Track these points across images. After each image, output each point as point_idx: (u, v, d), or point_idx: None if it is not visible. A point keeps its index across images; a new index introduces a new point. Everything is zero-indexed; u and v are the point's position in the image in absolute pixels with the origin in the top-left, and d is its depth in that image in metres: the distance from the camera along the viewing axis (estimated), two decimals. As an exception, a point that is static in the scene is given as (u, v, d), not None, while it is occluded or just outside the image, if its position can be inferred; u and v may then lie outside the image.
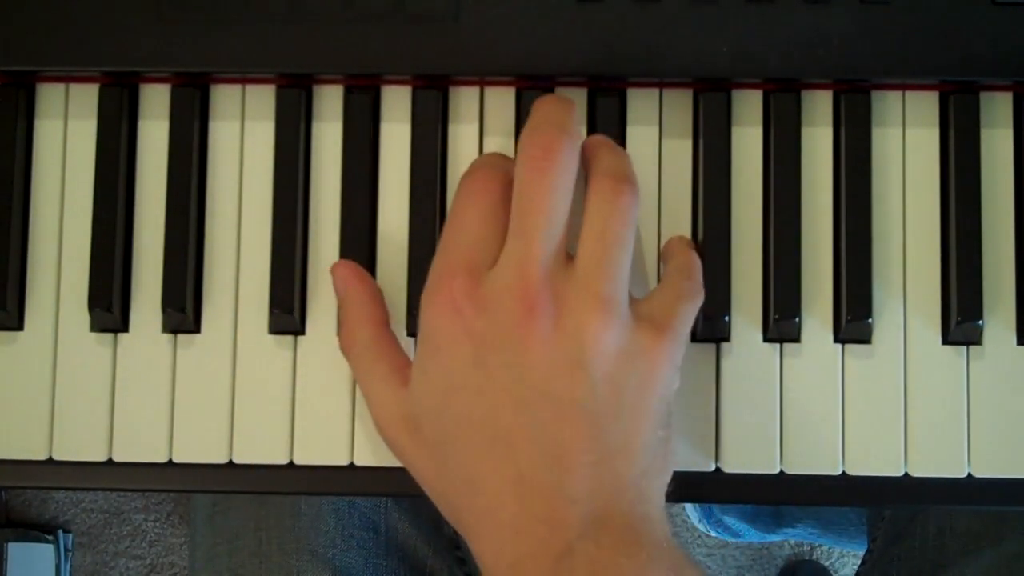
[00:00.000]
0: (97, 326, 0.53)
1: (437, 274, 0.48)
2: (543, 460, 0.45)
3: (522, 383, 0.46)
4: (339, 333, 0.52)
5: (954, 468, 0.52)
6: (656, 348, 0.47)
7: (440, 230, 0.53)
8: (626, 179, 0.48)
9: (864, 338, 0.52)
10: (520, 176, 0.48)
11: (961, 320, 0.52)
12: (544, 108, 0.49)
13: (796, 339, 0.53)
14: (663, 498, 0.48)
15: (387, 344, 0.51)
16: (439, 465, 0.48)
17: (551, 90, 0.53)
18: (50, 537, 1.39)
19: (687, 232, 0.53)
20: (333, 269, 0.52)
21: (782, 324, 0.52)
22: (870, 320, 0.52)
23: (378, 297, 0.52)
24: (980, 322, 0.52)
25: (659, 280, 0.53)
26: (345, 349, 0.51)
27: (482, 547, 0.47)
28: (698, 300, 0.50)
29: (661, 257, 0.53)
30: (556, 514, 0.45)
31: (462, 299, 0.47)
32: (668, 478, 0.48)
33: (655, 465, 0.47)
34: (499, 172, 0.49)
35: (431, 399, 0.48)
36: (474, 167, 0.50)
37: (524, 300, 0.46)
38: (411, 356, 0.51)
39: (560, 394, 0.46)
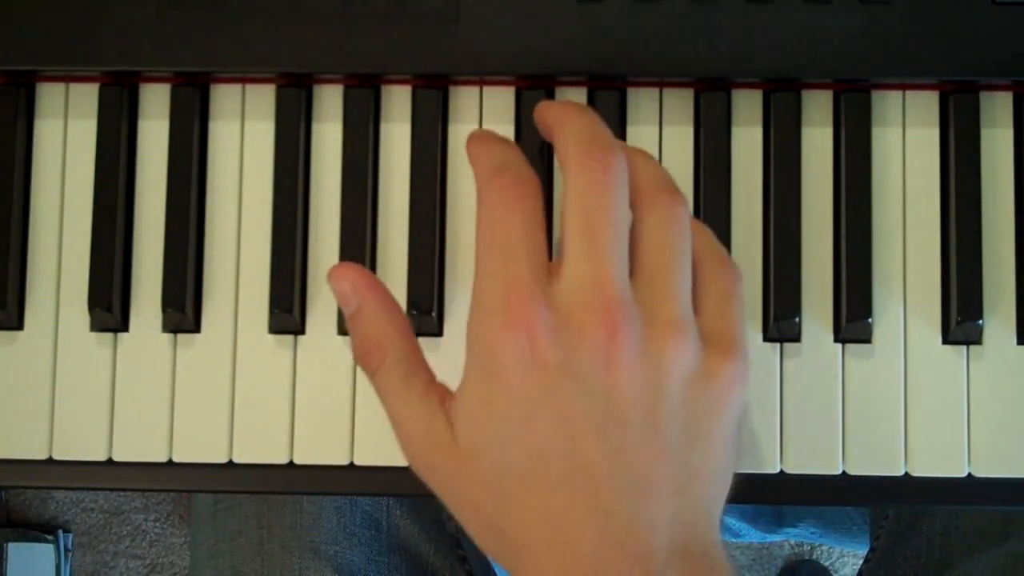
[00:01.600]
0: (97, 326, 0.53)
1: (502, 296, 0.44)
2: (625, 490, 0.43)
3: (603, 411, 0.44)
4: (359, 350, 0.47)
5: (954, 468, 0.52)
6: (726, 372, 0.45)
7: (440, 230, 0.53)
8: (675, 188, 0.47)
9: (864, 338, 0.52)
10: (581, 192, 0.45)
11: (961, 320, 0.52)
12: (582, 119, 0.46)
13: (796, 339, 0.53)
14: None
15: (420, 358, 0.47)
16: (497, 497, 0.45)
17: (551, 90, 0.53)
18: (50, 537, 1.39)
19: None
20: (335, 273, 0.47)
21: (782, 324, 0.52)
22: (870, 320, 0.52)
23: (398, 305, 0.48)
24: (980, 322, 0.52)
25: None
26: (370, 368, 0.47)
27: None
28: (741, 284, 0.48)
29: None
30: (639, 546, 0.43)
31: (537, 325, 0.43)
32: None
33: (725, 489, 0.46)
34: (523, 172, 0.46)
35: (494, 429, 0.44)
36: (497, 167, 0.46)
37: (608, 324, 0.43)
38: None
39: (641, 421, 0.44)
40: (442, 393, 0.46)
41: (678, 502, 0.44)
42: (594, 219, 0.44)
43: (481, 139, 0.48)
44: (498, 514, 0.45)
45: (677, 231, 0.46)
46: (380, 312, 0.47)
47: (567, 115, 0.47)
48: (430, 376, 0.47)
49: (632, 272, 0.45)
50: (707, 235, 0.49)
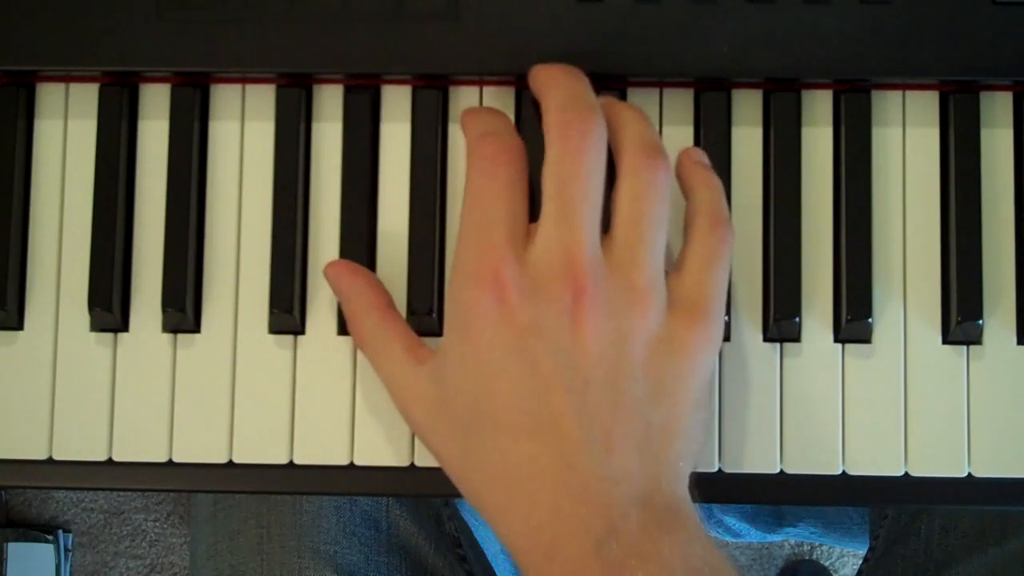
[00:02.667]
0: (97, 326, 0.53)
1: (474, 257, 0.47)
2: (588, 444, 0.45)
3: (570, 368, 0.46)
4: (349, 326, 0.52)
5: (954, 468, 0.52)
6: (691, 336, 0.47)
7: (440, 229, 0.53)
8: (658, 152, 0.48)
9: (864, 338, 0.52)
10: (557, 159, 0.47)
11: (961, 320, 0.52)
12: (566, 84, 0.49)
13: (796, 339, 0.53)
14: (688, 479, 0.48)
15: (394, 325, 0.50)
16: (467, 448, 0.48)
17: (551, 90, 0.53)
18: (50, 537, 1.39)
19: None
20: (325, 271, 0.52)
21: (782, 324, 0.52)
22: (870, 320, 0.52)
23: (375, 284, 0.51)
24: (980, 322, 0.52)
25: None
26: (357, 342, 0.51)
27: (513, 528, 0.46)
28: (728, 248, 0.49)
29: (680, 188, 0.51)
30: (599, 496, 0.45)
31: (507, 283, 0.46)
32: (698, 458, 0.49)
33: (693, 448, 0.48)
34: (507, 140, 0.48)
35: (465, 383, 0.47)
36: (481, 135, 0.49)
37: (573, 287, 0.46)
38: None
39: (605, 378, 0.46)
40: (422, 354, 0.50)
41: (640, 457, 0.46)
42: (567, 186, 0.47)
43: (473, 110, 0.51)
44: (469, 465, 0.48)
45: (652, 199, 0.48)
46: (355, 290, 0.51)
47: (551, 81, 0.49)
48: (409, 340, 0.50)
49: (608, 236, 0.48)
50: (707, 191, 0.50)
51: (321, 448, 0.53)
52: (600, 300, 0.46)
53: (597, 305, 0.46)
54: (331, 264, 0.52)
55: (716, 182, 0.50)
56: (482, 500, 0.48)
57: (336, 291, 0.52)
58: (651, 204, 0.48)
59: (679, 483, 0.47)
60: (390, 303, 0.51)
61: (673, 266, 0.50)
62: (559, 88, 0.49)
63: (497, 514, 0.47)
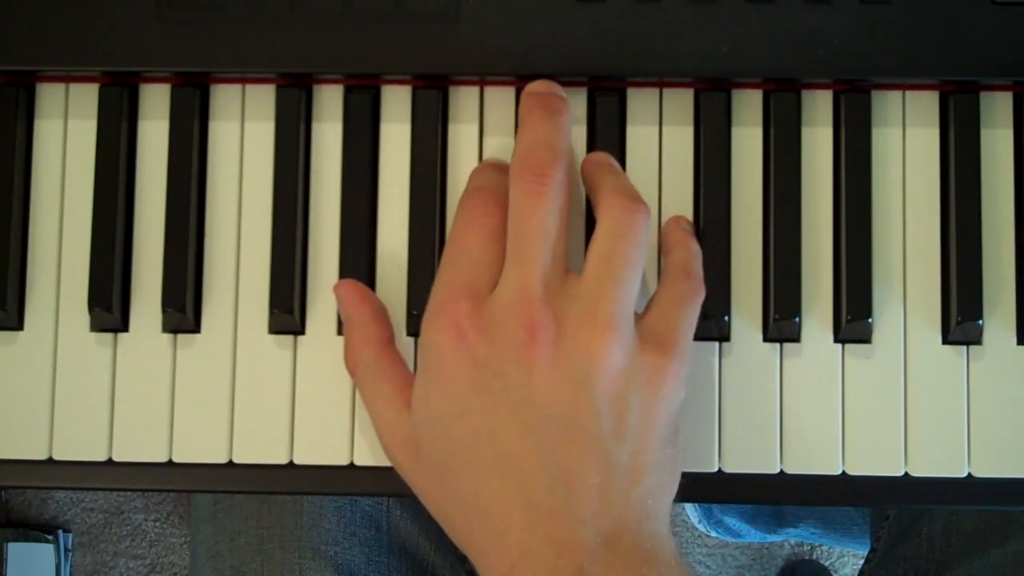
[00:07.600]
0: (97, 326, 0.53)
1: (439, 299, 0.48)
2: (551, 482, 0.45)
3: (527, 406, 0.46)
4: (344, 353, 0.52)
5: (954, 468, 0.52)
6: (659, 370, 0.47)
7: (440, 230, 0.53)
8: (639, 199, 0.49)
9: (864, 338, 0.52)
10: (515, 201, 0.48)
11: (961, 320, 0.52)
12: (538, 126, 0.49)
13: (796, 339, 0.53)
14: (669, 514, 0.48)
15: (390, 364, 0.50)
16: (442, 489, 0.48)
17: (551, 90, 0.53)
18: (50, 537, 1.39)
19: (687, 232, 0.53)
20: (335, 289, 0.52)
21: (782, 324, 0.52)
22: (870, 320, 0.52)
23: (381, 316, 0.51)
24: (980, 322, 0.52)
25: (659, 272, 0.53)
26: (350, 369, 0.51)
27: (488, 569, 0.46)
28: (698, 299, 0.50)
29: (660, 246, 0.52)
30: (565, 536, 0.45)
31: (465, 323, 0.47)
32: (674, 493, 0.48)
33: (663, 483, 0.48)
34: (497, 194, 0.49)
35: (433, 424, 0.48)
36: (472, 189, 0.50)
37: (526, 322, 0.46)
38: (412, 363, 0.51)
39: (565, 416, 0.46)
40: (410, 397, 0.49)
41: (604, 494, 0.45)
42: (524, 226, 0.48)
43: (478, 168, 0.52)
44: (447, 506, 0.48)
45: (628, 240, 0.48)
46: (359, 318, 0.51)
47: (526, 118, 0.50)
48: (401, 381, 0.50)
49: (580, 276, 0.48)
50: (686, 251, 0.51)
51: (321, 448, 0.53)
52: (556, 335, 0.46)
53: (551, 342, 0.46)
54: (342, 284, 0.52)
55: (696, 247, 0.51)
56: (461, 541, 0.48)
57: (341, 312, 0.52)
58: (626, 244, 0.48)
59: (650, 520, 0.46)
60: (390, 339, 0.51)
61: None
62: (530, 129, 0.49)
63: (475, 554, 0.47)
